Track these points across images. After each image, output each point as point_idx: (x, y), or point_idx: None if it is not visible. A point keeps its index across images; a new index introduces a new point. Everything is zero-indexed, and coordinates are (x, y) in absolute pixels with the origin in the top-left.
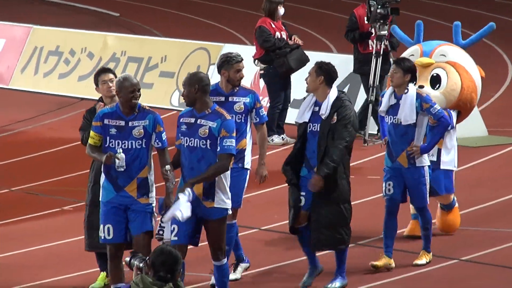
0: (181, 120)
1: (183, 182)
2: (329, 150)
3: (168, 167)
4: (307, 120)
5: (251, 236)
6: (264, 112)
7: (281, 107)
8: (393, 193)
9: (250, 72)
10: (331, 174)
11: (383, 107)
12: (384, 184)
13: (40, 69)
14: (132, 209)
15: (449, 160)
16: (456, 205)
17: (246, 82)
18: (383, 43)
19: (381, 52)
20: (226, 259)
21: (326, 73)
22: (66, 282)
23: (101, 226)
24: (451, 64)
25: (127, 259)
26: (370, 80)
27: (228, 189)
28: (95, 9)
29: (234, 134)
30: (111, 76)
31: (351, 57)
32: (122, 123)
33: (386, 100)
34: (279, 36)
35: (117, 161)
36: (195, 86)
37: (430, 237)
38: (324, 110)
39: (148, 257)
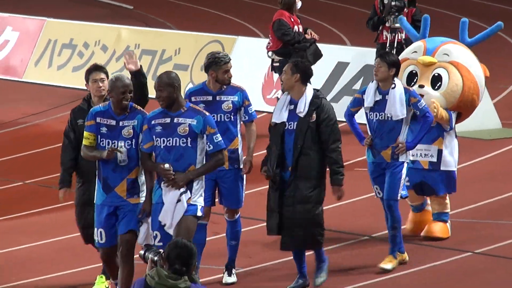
0: (153, 122)
1: (159, 186)
2: (331, 157)
3: (167, 165)
4: (285, 120)
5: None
6: (253, 110)
7: None
8: (384, 195)
9: (264, 65)
10: (343, 177)
11: (368, 103)
12: (373, 187)
13: (54, 62)
14: (121, 209)
15: (449, 160)
16: (448, 223)
17: (260, 75)
18: (397, 35)
19: (395, 44)
20: None
21: (302, 71)
22: (78, 276)
23: (95, 230)
24: (453, 64)
25: (141, 252)
26: None
27: (202, 188)
28: (109, 2)
29: (217, 129)
30: (102, 75)
31: (365, 50)
32: (113, 122)
33: (371, 96)
34: (297, 30)
35: (119, 154)
36: (175, 86)
37: (397, 239)
38: (302, 108)
39: (163, 250)
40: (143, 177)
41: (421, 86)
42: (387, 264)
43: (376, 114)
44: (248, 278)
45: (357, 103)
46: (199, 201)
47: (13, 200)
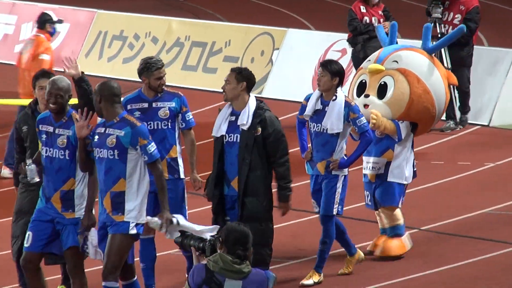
0: (95, 131)
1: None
2: (279, 172)
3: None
4: (224, 133)
5: (314, 220)
6: (191, 116)
7: None
8: (319, 210)
9: (314, 57)
10: (291, 193)
11: (308, 111)
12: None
13: (104, 54)
14: (59, 223)
15: (397, 172)
16: (404, 236)
17: (310, 67)
18: (438, 26)
19: (438, 36)
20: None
21: (247, 79)
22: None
23: (27, 233)
24: (401, 71)
25: (178, 239)
26: None
27: (139, 203)
28: None
29: (151, 138)
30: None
31: (414, 42)
32: (51, 129)
33: (312, 104)
34: (367, 21)
35: (27, 173)
36: (99, 96)
37: (325, 256)
38: (245, 120)
39: (219, 235)
40: (82, 191)
41: (367, 96)
42: (309, 280)
43: (314, 125)
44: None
45: (303, 110)
46: (137, 218)
47: None
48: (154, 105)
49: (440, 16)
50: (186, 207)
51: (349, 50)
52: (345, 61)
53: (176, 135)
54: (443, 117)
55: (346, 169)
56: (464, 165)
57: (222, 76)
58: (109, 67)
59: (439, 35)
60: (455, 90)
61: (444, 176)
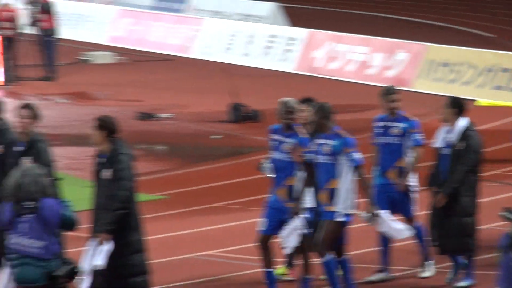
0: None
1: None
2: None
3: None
4: (439, 146)
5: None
6: (417, 136)
7: None
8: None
9: None
10: (452, 191)
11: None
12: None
13: (431, 76)
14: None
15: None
16: None
17: None
18: None
19: None
20: (327, 256)
21: (457, 107)
22: None
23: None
24: None
25: (503, 213)
26: None
27: (351, 198)
28: (476, 32)
29: (355, 148)
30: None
31: None
32: (280, 137)
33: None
34: None
35: (266, 169)
36: (319, 114)
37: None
38: (453, 136)
39: None
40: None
41: None
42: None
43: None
44: None
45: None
46: (347, 211)
47: None
48: (389, 124)
49: None
50: (412, 206)
51: None
52: None
53: (406, 150)
54: None
55: None
56: None
57: None
58: (435, 87)
59: None
60: None
61: None
